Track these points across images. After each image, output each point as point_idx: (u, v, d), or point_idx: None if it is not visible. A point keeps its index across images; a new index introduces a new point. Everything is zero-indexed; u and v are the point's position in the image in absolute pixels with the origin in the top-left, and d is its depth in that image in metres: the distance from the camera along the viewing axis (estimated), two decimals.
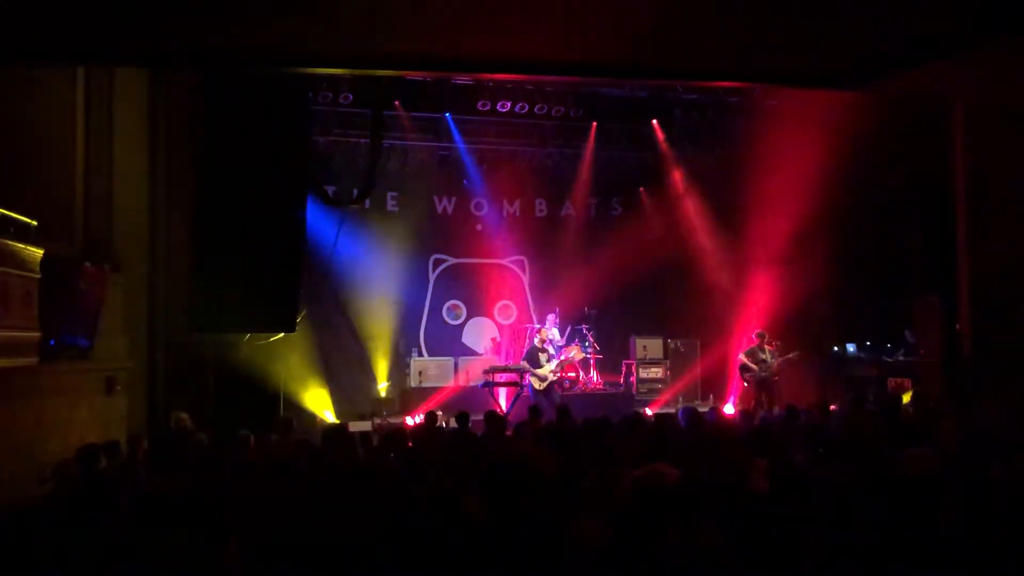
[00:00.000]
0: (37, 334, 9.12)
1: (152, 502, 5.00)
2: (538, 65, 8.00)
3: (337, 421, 13.71)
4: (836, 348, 16.23)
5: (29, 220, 8.92)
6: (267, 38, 7.37)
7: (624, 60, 7.73)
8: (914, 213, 15.53)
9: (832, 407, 10.89)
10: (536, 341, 14.63)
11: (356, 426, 12.87)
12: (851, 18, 6.55)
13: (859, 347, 16.04)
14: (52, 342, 9.48)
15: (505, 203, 17.89)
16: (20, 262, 8.75)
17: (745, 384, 15.12)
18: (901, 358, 15.11)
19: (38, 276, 9.06)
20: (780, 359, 14.73)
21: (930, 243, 15.26)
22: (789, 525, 4.62)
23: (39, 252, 9.04)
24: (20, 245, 8.74)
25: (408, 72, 11.90)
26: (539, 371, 14.06)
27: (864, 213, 15.44)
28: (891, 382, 14.49)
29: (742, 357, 15.04)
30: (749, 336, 15.45)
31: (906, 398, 12.88)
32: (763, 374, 14.69)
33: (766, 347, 14.90)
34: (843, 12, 6.46)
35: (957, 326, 14.42)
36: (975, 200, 14.33)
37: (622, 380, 16.94)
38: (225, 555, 4.08)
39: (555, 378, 14.31)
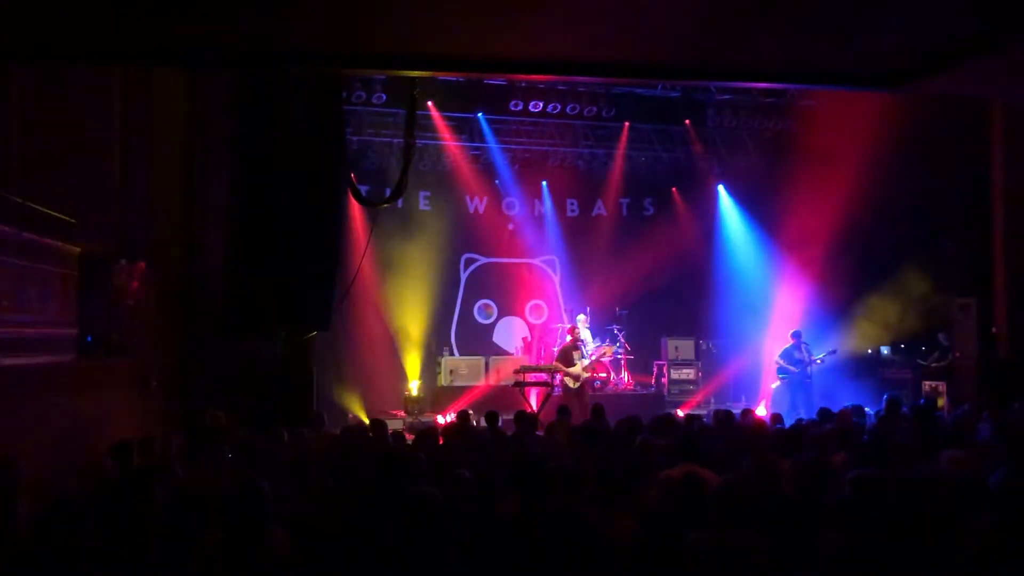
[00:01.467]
0: (75, 331, 9.25)
1: (187, 497, 5.06)
2: (572, 65, 8.00)
3: (366, 419, 13.78)
4: (870, 350, 16.11)
5: (68, 218, 9.04)
6: (302, 39, 7.42)
7: (658, 60, 7.72)
8: (950, 216, 15.39)
9: (867, 410, 10.83)
10: (568, 339, 14.61)
11: (387, 424, 12.91)
12: (885, 18, 6.51)
13: (893, 350, 15.91)
14: (89, 338, 9.61)
15: (536, 203, 17.91)
16: (59, 259, 8.88)
17: (777, 385, 15.07)
18: (935, 362, 14.98)
19: (76, 273, 9.19)
20: (816, 358, 14.68)
21: (966, 246, 15.13)
22: (819, 527, 4.60)
23: (77, 249, 9.17)
24: (59, 243, 8.87)
25: (441, 73, 11.92)
26: (572, 369, 14.03)
27: (900, 215, 15.32)
28: (926, 385, 14.37)
29: (778, 359, 14.98)
30: (786, 336, 15.38)
31: (940, 402, 12.79)
32: (798, 375, 14.63)
33: (803, 346, 14.83)
34: (877, 12, 6.42)
35: (993, 329, 14.28)
36: (1012, 202, 14.19)
37: (653, 381, 16.89)
38: (269, 546, 4.12)
39: (588, 376, 14.27)
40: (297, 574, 4.03)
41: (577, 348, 14.31)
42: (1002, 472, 4.99)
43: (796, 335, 15.02)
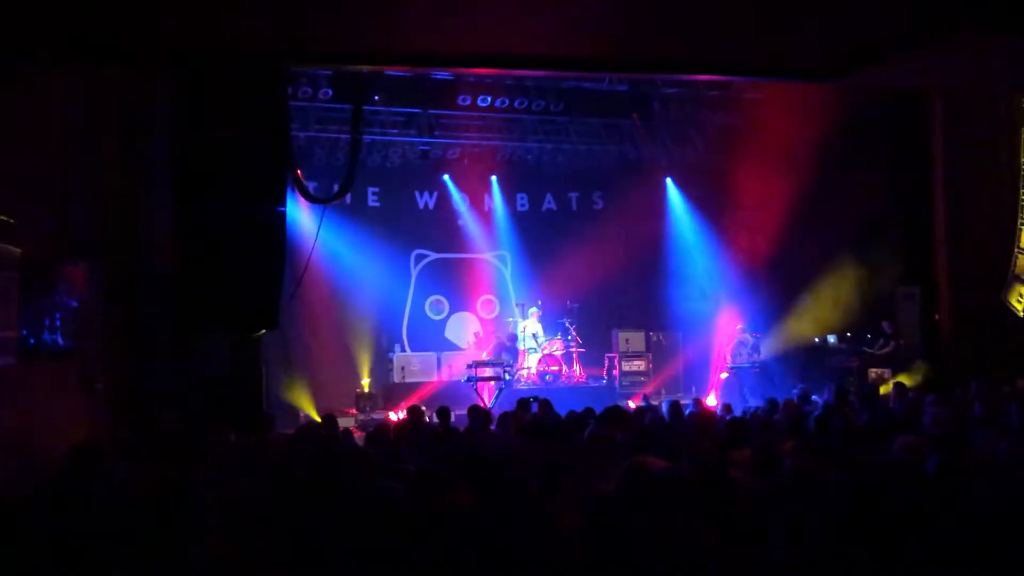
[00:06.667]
0: (16, 333, 9.07)
1: (133, 500, 4.99)
2: (515, 59, 8.02)
3: (318, 418, 13.70)
4: (817, 339, 16.33)
5: (7, 219, 8.87)
6: (246, 35, 7.36)
7: (601, 53, 7.76)
8: (894, 205, 15.63)
9: (814, 397, 10.98)
10: (503, 337, 14.96)
11: (339, 422, 12.85)
12: (824, 9, 6.60)
13: (840, 338, 16.14)
14: (32, 341, 9.44)
15: (486, 198, 17.89)
16: None
17: (726, 375, 15.27)
18: (880, 350, 15.24)
19: (17, 275, 9.02)
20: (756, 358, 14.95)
21: (910, 234, 15.38)
22: (770, 517, 4.64)
23: (17, 251, 9.00)
24: None
25: (387, 67, 11.87)
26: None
27: (844, 205, 15.53)
28: (872, 372, 14.60)
29: (728, 350, 15.19)
30: (733, 330, 15.58)
31: (884, 389, 13.01)
32: (747, 368, 14.83)
33: (749, 339, 15.03)
34: (817, 4, 6.51)
35: (936, 316, 14.54)
36: (953, 191, 14.46)
37: (605, 373, 16.98)
38: (206, 549, 4.07)
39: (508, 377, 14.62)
40: None
41: (505, 345, 14.65)
42: (937, 456, 5.08)
43: (744, 329, 15.26)
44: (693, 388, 16.57)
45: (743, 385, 14.93)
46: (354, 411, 14.87)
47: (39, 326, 9.62)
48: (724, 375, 15.40)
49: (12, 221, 8.90)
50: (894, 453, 6.01)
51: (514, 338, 15.72)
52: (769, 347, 15.23)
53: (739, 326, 15.49)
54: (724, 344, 15.53)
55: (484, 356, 15.48)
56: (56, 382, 9.75)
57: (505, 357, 15.11)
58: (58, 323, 9.95)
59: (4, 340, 8.82)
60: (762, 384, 14.81)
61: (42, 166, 10.28)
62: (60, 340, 9.92)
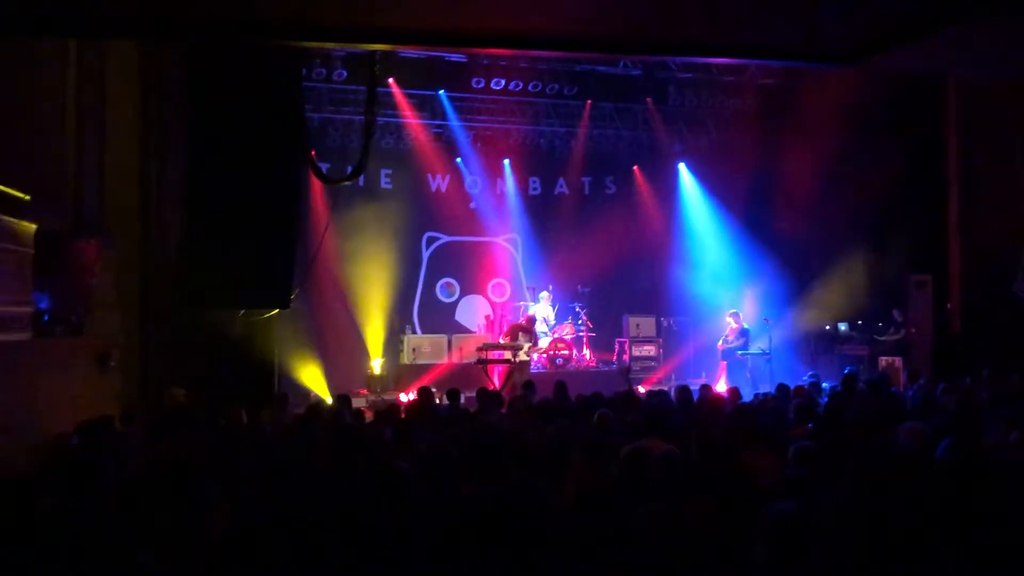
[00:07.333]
0: (30, 309, 9.12)
1: (142, 476, 5.03)
2: (529, 39, 7.97)
3: (328, 398, 13.73)
4: (828, 327, 16.29)
5: (22, 195, 8.90)
6: (259, 10, 7.34)
7: (616, 34, 7.71)
8: (907, 194, 15.56)
9: (823, 385, 10.97)
10: (523, 321, 14.91)
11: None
12: None
13: (851, 326, 16.10)
14: (45, 317, 9.48)
15: (499, 181, 17.87)
16: (13, 237, 8.75)
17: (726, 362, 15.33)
18: (891, 337, 15.21)
19: (31, 251, 9.06)
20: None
21: (922, 224, 15.32)
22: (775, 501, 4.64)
23: (32, 227, 9.03)
24: (13, 220, 8.73)
25: (401, 46, 11.82)
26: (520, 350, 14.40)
27: (857, 195, 15.47)
28: (882, 360, 14.57)
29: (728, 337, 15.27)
30: (745, 315, 15.63)
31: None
32: (759, 353, 14.87)
33: (739, 327, 15.12)
34: None
35: (948, 305, 14.50)
36: (967, 181, 14.40)
37: (615, 358, 16.98)
38: (208, 526, 4.09)
39: (527, 357, 14.52)
40: (238, 556, 3.98)
41: (528, 332, 14.57)
42: (947, 443, 5.07)
43: (735, 315, 15.34)
44: (703, 374, 16.56)
45: (753, 371, 14.93)
46: (365, 391, 14.92)
47: (53, 302, 9.66)
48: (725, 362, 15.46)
49: (27, 198, 8.94)
50: (900, 440, 6.00)
51: (533, 320, 15.69)
52: (770, 334, 15.23)
53: (730, 313, 15.53)
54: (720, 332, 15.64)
55: (501, 339, 15.45)
56: (70, 357, 9.80)
57: (523, 340, 15.05)
58: (72, 299, 9.99)
59: (19, 315, 8.87)
60: (769, 370, 14.80)
61: (56, 143, 10.31)
62: (73, 316, 9.97)
